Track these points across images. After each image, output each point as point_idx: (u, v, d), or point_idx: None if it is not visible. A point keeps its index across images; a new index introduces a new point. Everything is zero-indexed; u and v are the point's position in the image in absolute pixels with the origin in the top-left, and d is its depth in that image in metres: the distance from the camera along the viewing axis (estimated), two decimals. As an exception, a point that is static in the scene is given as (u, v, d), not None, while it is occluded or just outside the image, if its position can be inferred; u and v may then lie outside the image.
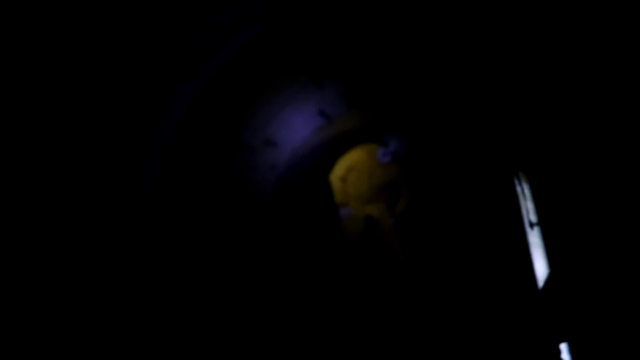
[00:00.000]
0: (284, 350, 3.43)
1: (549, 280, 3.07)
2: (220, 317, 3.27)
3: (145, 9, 2.63)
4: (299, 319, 3.64)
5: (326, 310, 3.73)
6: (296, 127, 4.15)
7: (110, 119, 2.78)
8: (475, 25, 3.24)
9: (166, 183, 3.21)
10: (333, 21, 3.60)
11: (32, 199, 2.54)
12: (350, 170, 3.99)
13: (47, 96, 2.54)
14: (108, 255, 2.80)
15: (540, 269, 3.22)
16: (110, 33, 2.60)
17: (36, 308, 2.57)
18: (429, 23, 3.36)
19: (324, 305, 3.76)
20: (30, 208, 2.55)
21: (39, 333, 2.58)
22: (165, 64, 2.96)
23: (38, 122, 2.54)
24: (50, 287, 2.61)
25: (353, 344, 3.55)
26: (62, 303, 2.63)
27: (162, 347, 2.97)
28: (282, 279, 3.81)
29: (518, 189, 3.35)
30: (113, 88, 2.74)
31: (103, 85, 2.69)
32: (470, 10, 3.17)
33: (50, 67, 2.50)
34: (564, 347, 2.94)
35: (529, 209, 3.28)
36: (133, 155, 2.94)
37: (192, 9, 2.84)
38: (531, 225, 3.24)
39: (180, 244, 3.20)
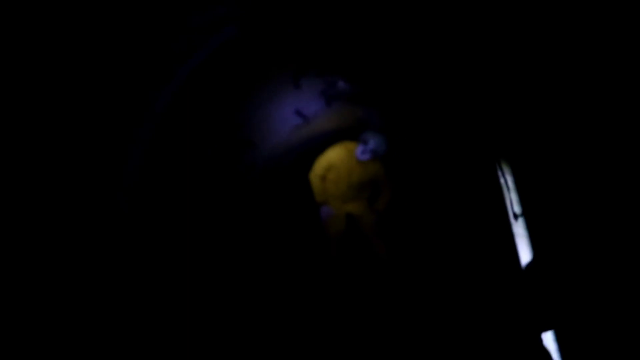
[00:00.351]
0: (266, 349, 3.41)
1: (531, 269, 3.10)
2: (201, 312, 3.28)
3: (122, 10, 2.63)
4: (281, 318, 3.61)
5: (309, 310, 3.70)
6: (274, 127, 4.15)
7: (91, 119, 2.77)
8: (454, 14, 3.28)
9: (145, 186, 3.19)
10: (308, 21, 3.62)
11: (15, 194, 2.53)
12: (329, 168, 3.93)
13: (31, 94, 2.53)
14: (94, 247, 2.82)
15: (526, 260, 3.25)
16: (87, 35, 2.60)
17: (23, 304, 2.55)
18: (404, 14, 3.39)
19: (306, 305, 3.73)
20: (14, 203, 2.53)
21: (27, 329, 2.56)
22: (142, 66, 2.97)
23: (23, 118, 2.53)
24: (33, 283, 2.59)
25: (336, 343, 3.52)
26: (48, 299, 2.61)
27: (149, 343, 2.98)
28: (263, 279, 3.79)
29: (501, 180, 3.38)
30: (93, 88, 2.74)
31: (82, 85, 2.68)
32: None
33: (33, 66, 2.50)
34: (549, 336, 2.96)
35: (512, 200, 3.30)
36: (114, 152, 2.94)
37: (169, 11, 2.86)
38: (515, 216, 3.27)
39: (160, 239, 3.20)
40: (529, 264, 3.13)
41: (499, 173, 3.42)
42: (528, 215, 3.20)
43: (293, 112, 4.17)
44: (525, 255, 3.27)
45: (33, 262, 2.55)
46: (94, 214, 2.85)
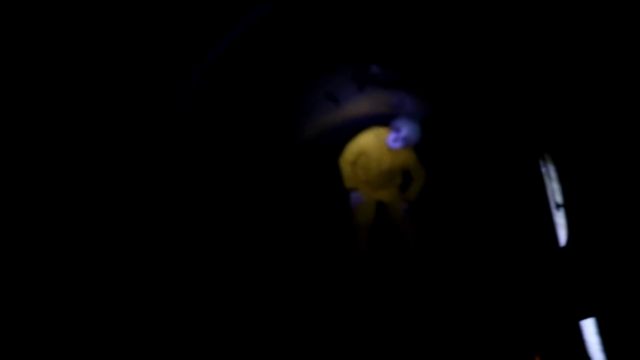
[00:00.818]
0: (290, 338, 3.42)
1: (569, 254, 3.10)
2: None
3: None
4: (308, 307, 3.63)
5: (336, 298, 3.71)
6: (304, 112, 4.16)
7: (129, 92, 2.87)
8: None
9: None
10: (343, 3, 3.64)
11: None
12: (360, 154, 3.91)
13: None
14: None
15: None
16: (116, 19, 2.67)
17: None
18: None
19: (333, 293, 3.74)
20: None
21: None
22: (172, 47, 3.00)
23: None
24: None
25: (364, 333, 3.53)
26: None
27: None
28: (290, 265, 3.80)
29: (543, 169, 3.38)
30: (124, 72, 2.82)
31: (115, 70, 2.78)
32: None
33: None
34: (590, 325, 2.96)
35: (554, 190, 3.30)
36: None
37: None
38: (557, 206, 3.27)
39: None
40: (565, 249, 3.14)
41: (541, 163, 3.42)
42: (570, 205, 3.20)
43: (324, 96, 4.18)
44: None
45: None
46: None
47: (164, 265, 3.14)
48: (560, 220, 3.29)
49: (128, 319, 3.00)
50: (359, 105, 4.33)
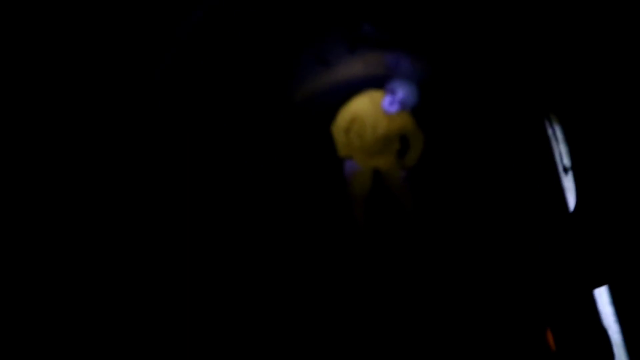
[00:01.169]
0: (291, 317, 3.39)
1: (579, 219, 3.06)
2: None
3: None
4: (303, 284, 3.58)
5: (332, 274, 3.66)
6: (292, 75, 4.06)
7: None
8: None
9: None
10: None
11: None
12: (354, 120, 3.83)
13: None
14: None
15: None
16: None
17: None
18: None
19: (329, 268, 3.69)
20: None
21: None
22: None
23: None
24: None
25: (363, 311, 3.49)
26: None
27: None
28: (283, 239, 3.74)
29: (549, 131, 3.30)
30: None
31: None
32: None
33: None
34: (603, 297, 2.93)
35: (562, 153, 3.23)
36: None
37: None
38: (565, 170, 3.20)
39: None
40: (574, 215, 3.09)
41: (547, 124, 3.35)
42: (578, 168, 3.14)
43: (313, 58, 4.07)
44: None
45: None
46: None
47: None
48: (568, 184, 3.23)
49: (120, 307, 2.97)
50: (351, 67, 4.21)
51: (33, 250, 2.73)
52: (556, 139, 3.26)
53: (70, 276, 2.83)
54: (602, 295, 2.92)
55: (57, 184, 2.84)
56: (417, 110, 3.88)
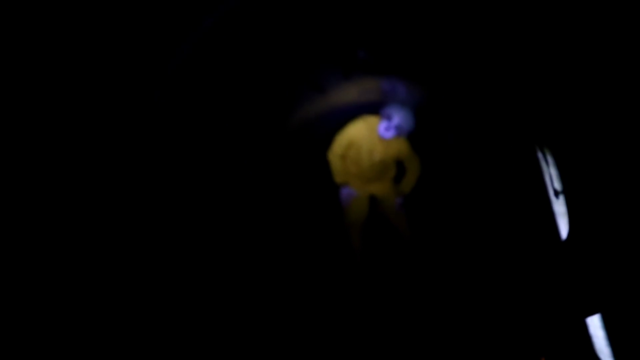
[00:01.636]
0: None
1: (571, 246, 3.16)
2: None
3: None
4: (300, 308, 3.70)
5: (329, 299, 3.77)
6: (286, 102, 4.18)
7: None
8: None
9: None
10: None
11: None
12: (350, 146, 3.95)
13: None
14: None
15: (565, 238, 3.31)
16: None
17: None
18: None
19: (327, 294, 3.80)
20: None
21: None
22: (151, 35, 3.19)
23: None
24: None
25: (361, 334, 3.60)
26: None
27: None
28: (280, 264, 3.87)
29: (539, 155, 3.43)
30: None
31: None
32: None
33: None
34: (595, 321, 3.03)
35: (552, 176, 3.36)
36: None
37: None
38: (556, 193, 3.32)
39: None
40: (568, 241, 3.20)
41: (537, 148, 3.48)
42: (569, 192, 3.26)
43: (308, 84, 4.21)
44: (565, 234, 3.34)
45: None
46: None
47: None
48: (559, 208, 3.34)
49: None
50: (346, 93, 4.36)
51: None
52: (547, 163, 3.39)
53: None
54: (594, 320, 3.03)
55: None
56: (412, 136, 4.01)
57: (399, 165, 4.08)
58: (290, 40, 3.89)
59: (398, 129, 3.88)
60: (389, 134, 3.90)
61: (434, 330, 3.57)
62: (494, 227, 3.81)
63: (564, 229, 3.30)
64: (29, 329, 2.85)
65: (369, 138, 3.95)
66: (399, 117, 3.88)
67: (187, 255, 3.51)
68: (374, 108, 4.10)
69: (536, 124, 3.48)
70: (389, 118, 3.89)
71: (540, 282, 3.36)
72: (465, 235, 3.93)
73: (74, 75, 3.10)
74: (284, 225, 4.05)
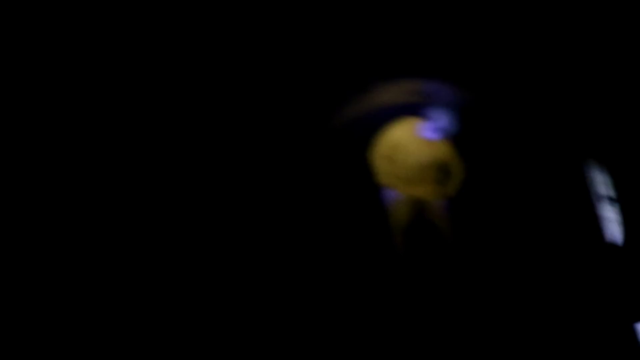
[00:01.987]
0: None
1: (623, 253, 3.24)
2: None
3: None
4: (342, 309, 3.81)
5: (371, 304, 3.87)
6: (330, 99, 4.23)
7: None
8: None
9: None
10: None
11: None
12: (396, 148, 4.04)
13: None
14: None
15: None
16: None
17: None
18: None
19: (369, 299, 3.90)
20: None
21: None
22: None
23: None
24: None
25: (402, 338, 3.67)
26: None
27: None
28: (321, 265, 3.98)
29: (586, 161, 3.50)
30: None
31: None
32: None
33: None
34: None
35: (600, 183, 3.43)
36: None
37: None
38: (610, 200, 3.40)
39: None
40: (620, 248, 3.27)
41: (586, 154, 3.56)
42: (621, 200, 3.35)
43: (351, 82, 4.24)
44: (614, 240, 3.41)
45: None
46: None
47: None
48: (610, 214, 3.42)
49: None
50: (387, 93, 4.41)
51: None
52: (596, 169, 3.48)
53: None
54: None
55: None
56: (457, 139, 4.11)
57: (443, 168, 4.15)
58: (335, 41, 3.96)
59: (443, 131, 3.99)
60: (435, 136, 4.01)
61: (476, 333, 3.65)
62: (537, 231, 3.88)
63: (613, 235, 3.38)
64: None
65: (415, 140, 4.05)
66: (444, 119, 3.99)
67: (221, 255, 3.59)
68: (414, 110, 4.19)
69: (587, 129, 3.57)
70: (434, 120, 4.00)
71: (589, 287, 3.44)
72: (508, 240, 3.99)
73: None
74: (326, 225, 4.10)
